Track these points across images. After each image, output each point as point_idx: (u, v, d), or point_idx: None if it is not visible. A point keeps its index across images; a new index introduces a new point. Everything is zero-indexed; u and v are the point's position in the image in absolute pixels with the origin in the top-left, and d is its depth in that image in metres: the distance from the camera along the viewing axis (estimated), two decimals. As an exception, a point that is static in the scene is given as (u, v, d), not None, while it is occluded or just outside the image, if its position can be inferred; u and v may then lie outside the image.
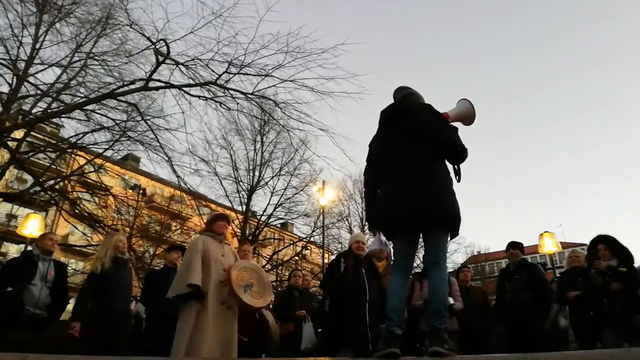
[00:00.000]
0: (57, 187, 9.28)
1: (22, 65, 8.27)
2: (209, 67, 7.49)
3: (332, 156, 21.32)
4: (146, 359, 3.62)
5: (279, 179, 15.97)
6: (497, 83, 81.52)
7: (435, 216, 2.42)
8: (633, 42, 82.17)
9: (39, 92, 8.40)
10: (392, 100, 3.01)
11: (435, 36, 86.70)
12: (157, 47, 7.42)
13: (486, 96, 76.31)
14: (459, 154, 2.64)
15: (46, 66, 8.51)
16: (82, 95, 8.35)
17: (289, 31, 7.27)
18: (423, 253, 2.93)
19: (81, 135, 8.82)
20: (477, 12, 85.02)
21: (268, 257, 16.28)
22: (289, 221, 17.26)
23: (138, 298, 5.93)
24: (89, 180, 9.91)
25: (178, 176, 8.47)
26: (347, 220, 18.48)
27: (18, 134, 8.48)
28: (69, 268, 10.48)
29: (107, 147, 8.94)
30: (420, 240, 2.71)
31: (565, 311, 5.33)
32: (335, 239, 17.86)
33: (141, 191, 15.71)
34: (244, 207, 15.36)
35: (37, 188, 8.83)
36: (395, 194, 2.54)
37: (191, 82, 7.64)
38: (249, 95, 7.68)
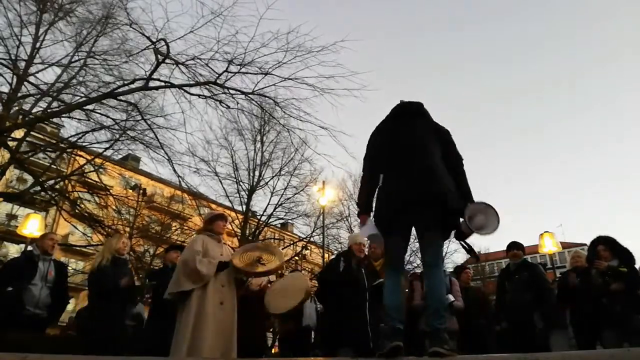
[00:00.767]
0: (57, 187, 9.28)
1: (22, 64, 8.27)
2: (209, 66, 7.49)
3: (332, 154, 21.40)
4: (146, 359, 3.62)
5: (279, 179, 15.96)
6: (497, 83, 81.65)
7: (433, 193, 2.45)
8: (633, 42, 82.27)
9: (39, 91, 8.39)
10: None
11: (435, 36, 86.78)
12: (157, 46, 7.42)
13: (486, 96, 76.39)
14: (459, 162, 2.72)
15: (46, 65, 8.51)
16: (82, 94, 8.35)
17: (289, 29, 7.25)
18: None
19: (81, 134, 8.83)
20: (477, 12, 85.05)
21: (268, 257, 16.22)
22: (289, 221, 17.24)
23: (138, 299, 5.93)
24: (89, 180, 9.90)
25: (179, 176, 8.48)
26: (347, 220, 18.45)
27: (18, 133, 8.48)
28: (69, 268, 10.49)
29: (107, 146, 8.96)
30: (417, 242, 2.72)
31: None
32: (335, 239, 17.85)
33: (141, 191, 15.72)
34: (244, 207, 15.35)
35: (37, 188, 8.83)
36: (397, 189, 2.54)
37: (191, 81, 7.63)
38: (249, 95, 7.68)
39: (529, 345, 4.17)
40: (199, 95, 7.73)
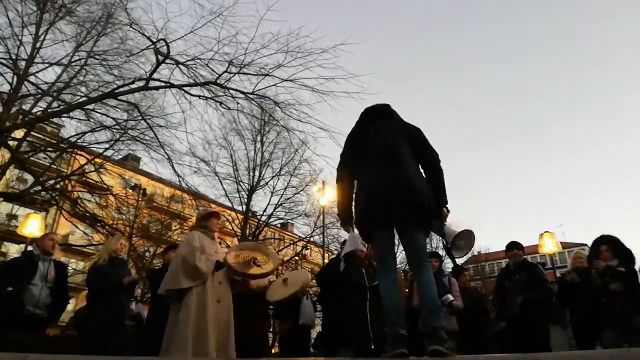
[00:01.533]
0: (57, 186, 9.29)
1: (22, 64, 8.28)
2: (209, 67, 7.50)
3: (332, 155, 21.34)
4: (146, 359, 3.61)
5: (279, 179, 15.98)
6: (497, 83, 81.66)
7: (407, 194, 2.44)
8: (633, 42, 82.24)
9: (39, 91, 8.40)
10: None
11: (435, 36, 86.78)
12: (157, 46, 7.42)
13: (486, 96, 76.38)
14: (435, 161, 2.70)
15: (47, 65, 8.53)
16: (83, 94, 8.37)
17: (289, 31, 7.29)
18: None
19: (81, 134, 8.85)
20: (477, 12, 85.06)
21: (268, 257, 16.22)
22: (289, 221, 17.26)
23: (138, 298, 5.94)
24: (89, 180, 9.92)
25: (179, 175, 8.48)
26: (347, 220, 18.42)
27: (18, 133, 8.49)
28: (69, 268, 10.50)
29: (107, 146, 8.97)
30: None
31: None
32: (335, 239, 17.81)
33: (141, 191, 15.72)
34: (244, 207, 15.35)
35: (38, 188, 8.84)
36: (371, 192, 2.54)
37: (191, 81, 7.64)
38: (249, 95, 7.69)
39: (529, 345, 4.17)
40: (199, 96, 7.74)
